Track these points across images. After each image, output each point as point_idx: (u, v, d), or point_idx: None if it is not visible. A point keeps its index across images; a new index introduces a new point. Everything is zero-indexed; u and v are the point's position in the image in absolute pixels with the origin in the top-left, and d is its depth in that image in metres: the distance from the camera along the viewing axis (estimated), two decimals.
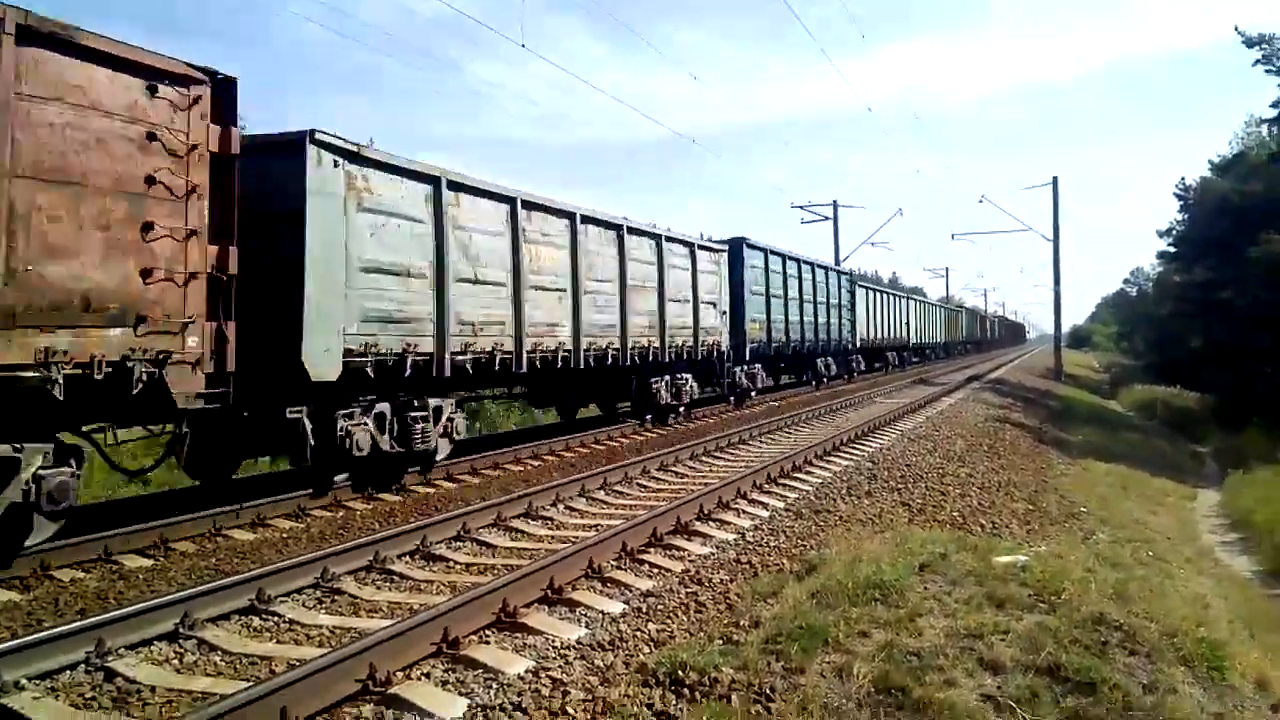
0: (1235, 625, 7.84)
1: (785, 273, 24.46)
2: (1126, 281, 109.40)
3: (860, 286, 34.03)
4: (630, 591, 6.39)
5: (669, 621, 5.74)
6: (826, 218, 47.53)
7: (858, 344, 32.37)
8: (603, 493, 10.31)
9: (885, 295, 40.06)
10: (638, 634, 5.50)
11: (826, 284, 28.65)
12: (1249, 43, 34.51)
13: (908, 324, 43.04)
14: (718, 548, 7.69)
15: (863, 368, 34.88)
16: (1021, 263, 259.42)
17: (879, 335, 37.28)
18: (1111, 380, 56.55)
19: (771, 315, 23.09)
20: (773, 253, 23.50)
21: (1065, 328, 55.80)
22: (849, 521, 8.83)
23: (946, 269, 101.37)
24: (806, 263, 26.80)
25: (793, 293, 25.05)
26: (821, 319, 27.83)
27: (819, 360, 28.39)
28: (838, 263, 45.58)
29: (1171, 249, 52.99)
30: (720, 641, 5.18)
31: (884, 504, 9.93)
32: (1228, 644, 5.51)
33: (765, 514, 9.09)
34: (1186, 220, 49.04)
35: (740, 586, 6.48)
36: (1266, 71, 34.13)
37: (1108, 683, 4.56)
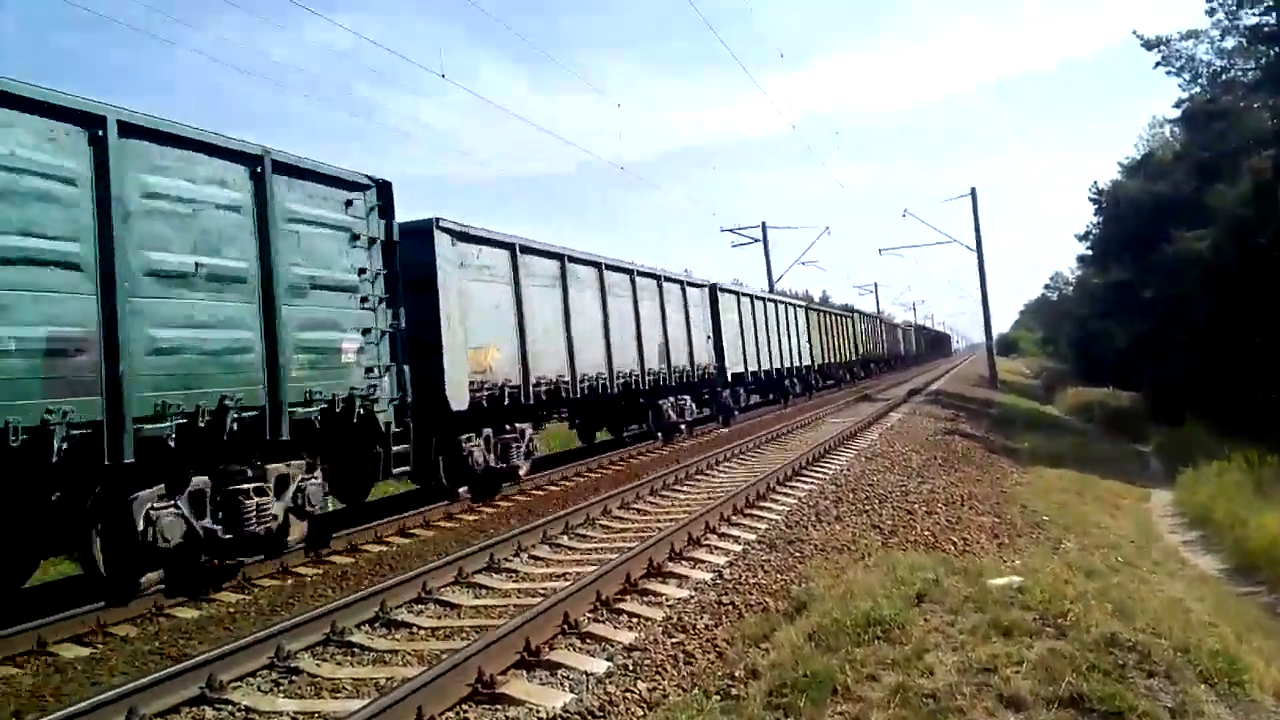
0: (1222, 629, 7.75)
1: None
2: (1047, 287, 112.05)
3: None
4: (612, 646, 6.03)
5: (659, 678, 5.39)
6: (756, 240, 47.94)
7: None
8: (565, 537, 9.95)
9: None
10: (628, 695, 5.13)
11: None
12: (1147, 45, 35.54)
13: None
14: (696, 589, 7.37)
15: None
16: (948, 275, 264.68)
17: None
18: (1044, 384, 57.68)
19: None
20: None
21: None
22: (825, 550, 8.57)
23: (875, 284, 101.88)
24: None
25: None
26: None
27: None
28: (771, 288, 45.67)
29: (1089, 252, 54.51)
30: (719, 697, 4.86)
31: (855, 528, 9.71)
32: (1240, 656, 5.33)
33: (738, 548, 8.80)
34: (1101, 223, 50.50)
35: (727, 631, 6.16)
36: (1167, 73, 35.17)
37: (1135, 710, 4.33)
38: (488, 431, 12.75)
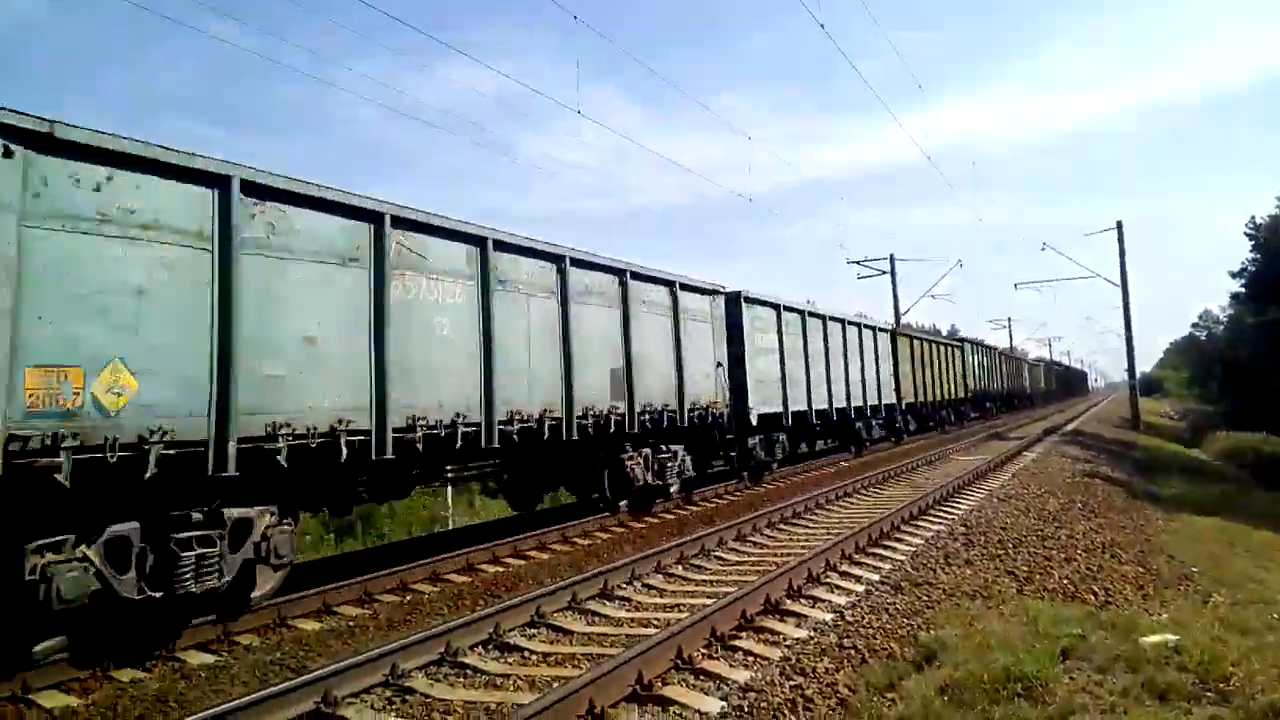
0: None
1: None
2: (1195, 325, 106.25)
3: None
4: (727, 685, 5.79)
5: None
6: (884, 272, 46.93)
7: None
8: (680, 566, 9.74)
9: None
10: None
11: None
12: None
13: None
14: (815, 629, 7.05)
15: None
16: (1087, 311, 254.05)
17: None
18: (1191, 428, 54.43)
19: None
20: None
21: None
22: (955, 595, 8.12)
23: (1009, 319, 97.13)
24: None
25: None
26: None
27: None
28: (898, 321, 44.43)
29: (1243, 289, 51.41)
30: None
31: (987, 573, 9.19)
32: None
33: (860, 588, 8.43)
34: (1259, 259, 47.62)
35: (849, 677, 5.84)
36: None
37: None
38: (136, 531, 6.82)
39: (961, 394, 38.91)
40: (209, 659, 7.16)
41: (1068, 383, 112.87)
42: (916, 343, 32.04)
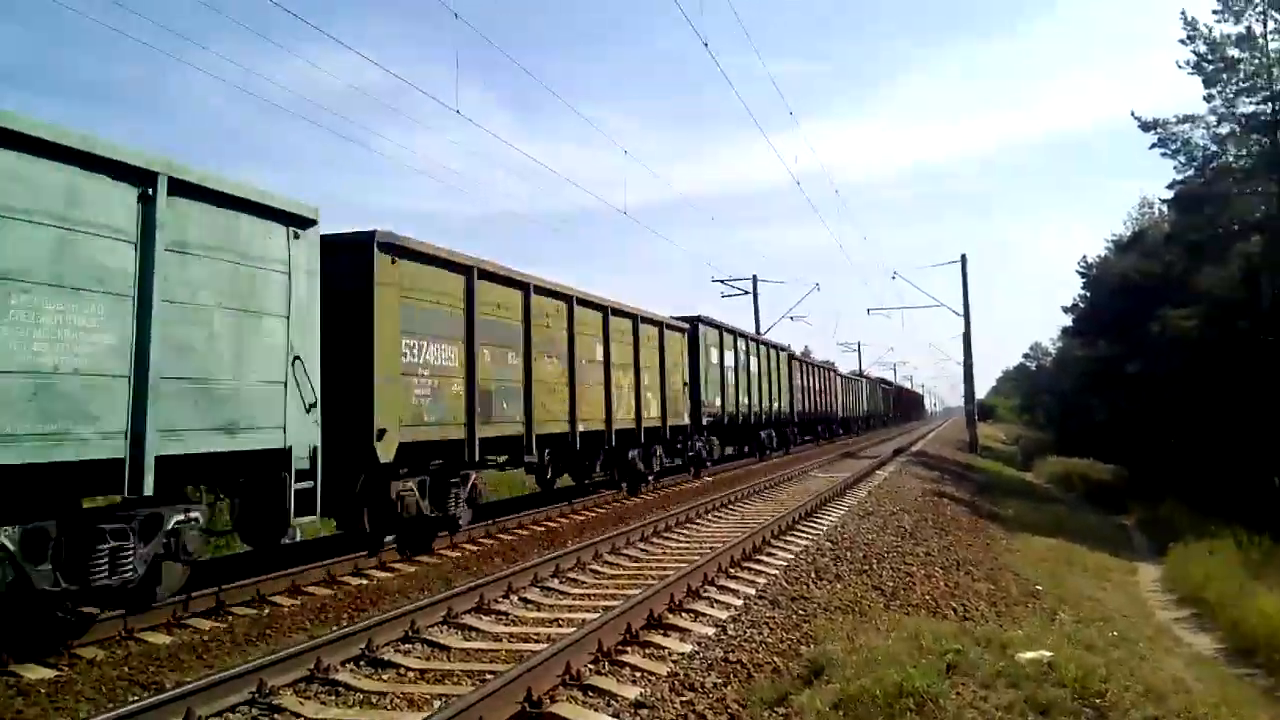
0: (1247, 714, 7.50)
1: None
2: (1026, 356, 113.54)
3: None
4: (618, 701, 5.68)
5: None
6: (746, 291, 47.91)
7: None
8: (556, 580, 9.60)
9: None
10: None
11: None
12: (1144, 126, 36.15)
13: None
14: (699, 644, 7.03)
15: None
16: (930, 339, 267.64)
17: None
18: (1022, 453, 57.79)
19: None
20: None
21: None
22: (830, 610, 8.26)
23: (859, 343, 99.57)
24: None
25: None
26: None
27: None
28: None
29: (1073, 324, 55.10)
30: None
31: (857, 588, 9.41)
32: None
33: (739, 602, 8.48)
34: (1088, 297, 51.12)
35: (739, 692, 5.82)
36: (1162, 154, 35.78)
37: None
38: None
39: (688, 419, 21.25)
40: (49, 674, 6.56)
41: (905, 406, 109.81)
42: (552, 305, 14.34)
